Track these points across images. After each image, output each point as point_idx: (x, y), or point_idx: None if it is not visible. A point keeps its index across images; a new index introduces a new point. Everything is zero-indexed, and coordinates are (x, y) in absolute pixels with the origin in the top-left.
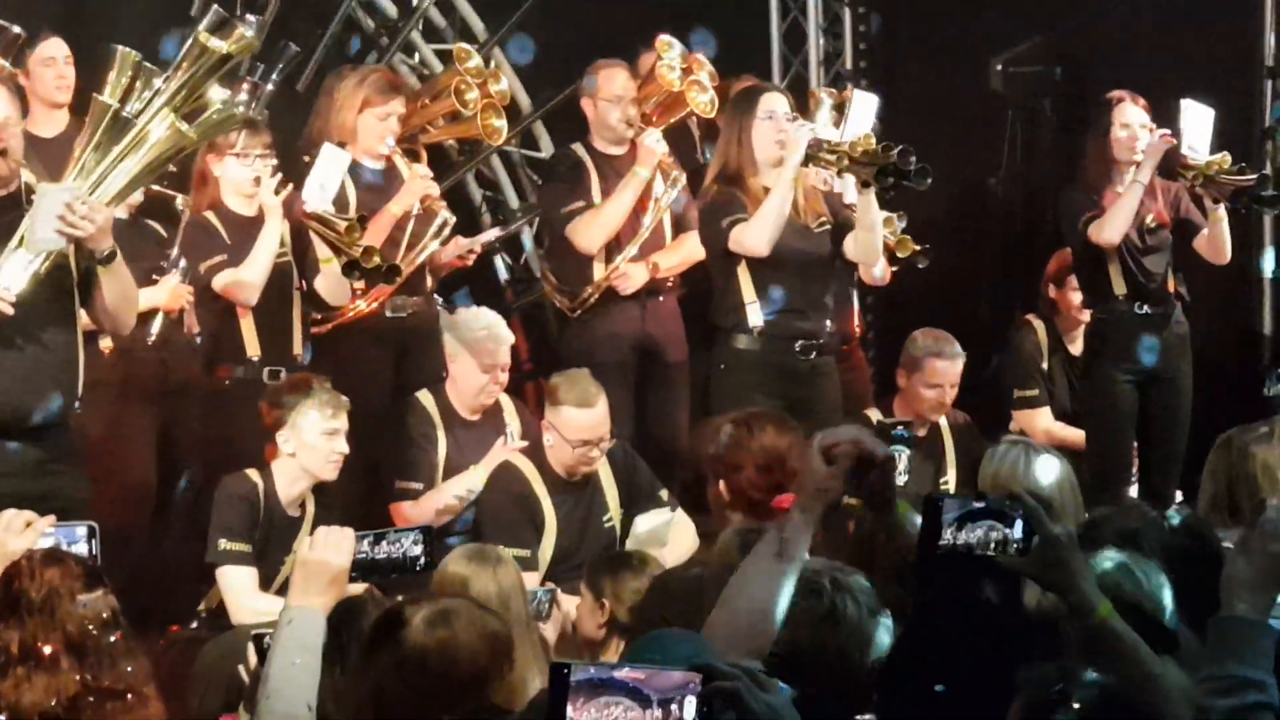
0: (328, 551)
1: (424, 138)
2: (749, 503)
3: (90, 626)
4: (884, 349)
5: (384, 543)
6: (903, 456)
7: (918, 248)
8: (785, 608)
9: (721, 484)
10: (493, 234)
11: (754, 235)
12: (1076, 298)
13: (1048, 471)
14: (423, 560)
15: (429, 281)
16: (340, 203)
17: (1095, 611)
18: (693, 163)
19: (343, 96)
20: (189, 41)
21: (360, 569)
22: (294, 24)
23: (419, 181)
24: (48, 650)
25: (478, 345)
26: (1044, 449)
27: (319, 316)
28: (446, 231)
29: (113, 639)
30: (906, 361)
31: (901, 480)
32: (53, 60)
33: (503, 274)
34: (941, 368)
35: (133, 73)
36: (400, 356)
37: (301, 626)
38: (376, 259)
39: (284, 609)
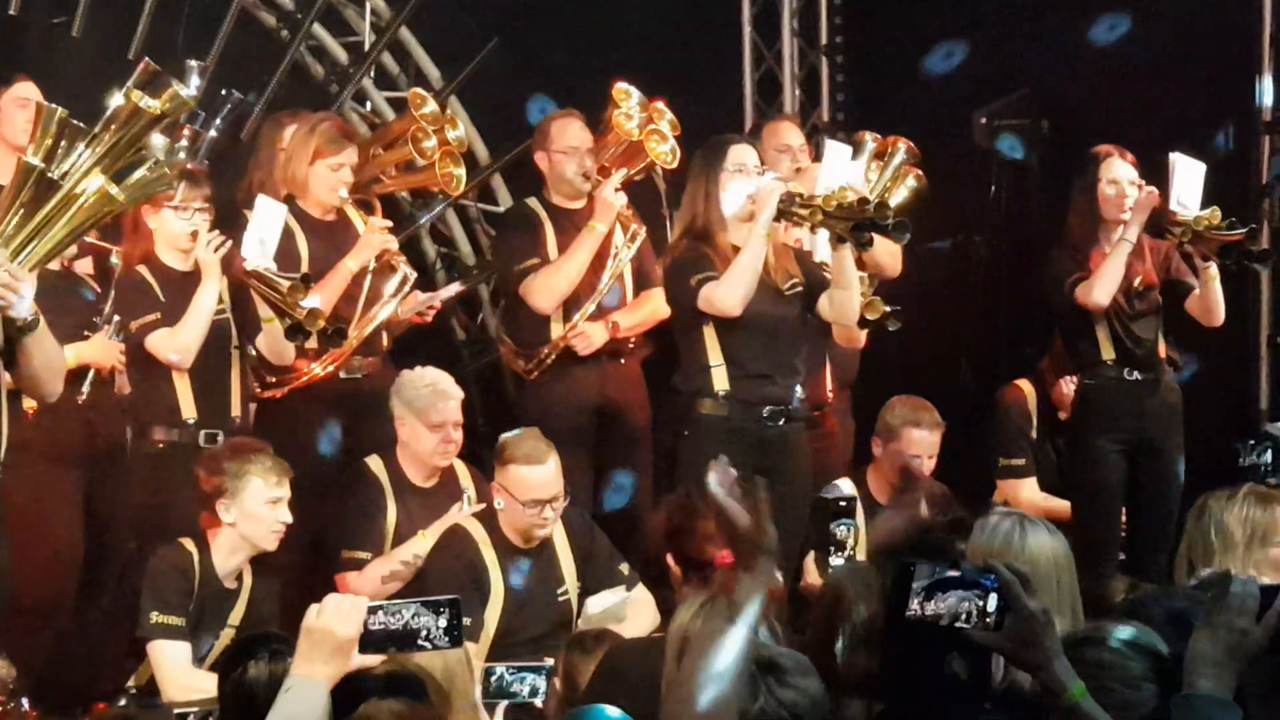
0: (334, 620)
1: (378, 188)
2: (700, 574)
3: None
4: (860, 415)
5: (380, 613)
6: (849, 531)
7: (888, 309)
8: (741, 669)
9: (670, 558)
10: (455, 288)
11: (725, 295)
12: None
13: (1042, 546)
14: (445, 637)
15: (385, 341)
16: (292, 258)
17: (1067, 692)
18: (657, 217)
19: (292, 146)
20: (117, 99)
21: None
22: (239, 70)
23: (376, 235)
24: None
25: (423, 404)
26: (1039, 522)
27: (272, 380)
28: (407, 289)
29: None
30: (882, 430)
31: (845, 557)
32: (27, 101)
33: (458, 334)
34: (919, 438)
35: (58, 131)
36: (354, 421)
37: (299, 697)
38: (321, 321)
39: (286, 677)
